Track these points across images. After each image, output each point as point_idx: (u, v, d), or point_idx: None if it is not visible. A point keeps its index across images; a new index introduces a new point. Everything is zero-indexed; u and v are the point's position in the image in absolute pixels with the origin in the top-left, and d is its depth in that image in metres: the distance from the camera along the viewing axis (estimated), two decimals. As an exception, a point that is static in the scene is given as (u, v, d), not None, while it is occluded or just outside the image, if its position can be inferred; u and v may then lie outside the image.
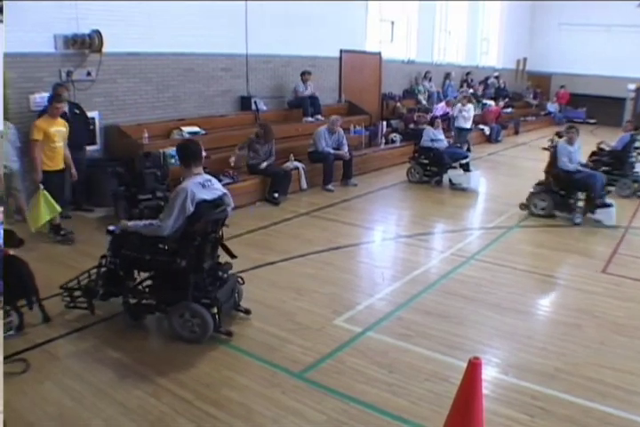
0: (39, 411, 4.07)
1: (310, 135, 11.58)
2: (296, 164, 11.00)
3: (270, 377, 4.55)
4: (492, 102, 19.68)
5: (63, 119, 8.02)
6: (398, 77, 18.13)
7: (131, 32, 9.92)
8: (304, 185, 10.98)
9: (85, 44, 9.14)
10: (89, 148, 9.37)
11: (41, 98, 8.54)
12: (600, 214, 9.11)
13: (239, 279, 5.69)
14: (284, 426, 3.96)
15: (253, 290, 5.88)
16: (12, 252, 5.26)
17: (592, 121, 23.64)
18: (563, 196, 9.25)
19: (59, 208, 7.38)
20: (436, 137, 11.88)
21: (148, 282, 5.49)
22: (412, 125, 15.02)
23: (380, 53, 16.67)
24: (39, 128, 7.50)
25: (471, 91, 19.71)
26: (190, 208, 4.91)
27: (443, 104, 16.80)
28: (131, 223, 5.31)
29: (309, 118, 13.31)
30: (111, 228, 5.46)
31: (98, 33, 9.18)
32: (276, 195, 10.00)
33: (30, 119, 7.89)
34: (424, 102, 18.09)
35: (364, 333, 5.35)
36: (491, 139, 18.21)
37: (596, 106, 24.04)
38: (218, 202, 5.19)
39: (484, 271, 7.02)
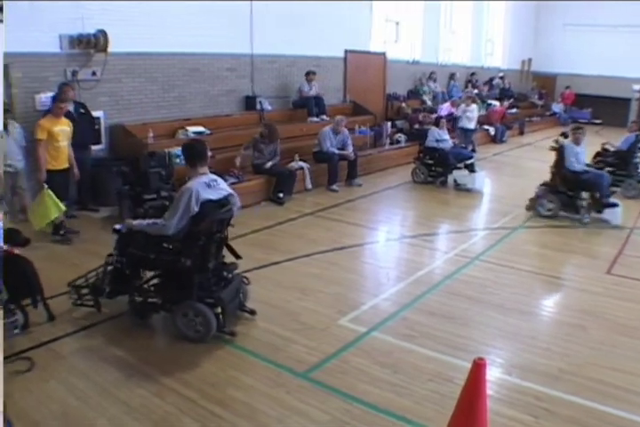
0: (44, 409, 4.08)
1: (315, 135, 11.59)
2: (301, 164, 11.01)
3: (275, 377, 4.55)
4: (496, 103, 19.65)
5: (68, 119, 8.05)
6: (403, 78, 18.11)
7: (136, 32, 9.91)
8: (309, 185, 10.98)
9: (91, 44, 9.16)
10: (94, 147, 9.37)
11: (46, 97, 8.57)
12: (607, 214, 9.13)
13: (244, 280, 5.70)
14: (289, 426, 3.97)
15: (258, 290, 5.88)
16: (16, 251, 5.28)
17: (597, 121, 23.57)
18: (570, 196, 9.24)
19: (63, 207, 7.39)
20: (441, 137, 11.88)
21: (154, 281, 5.51)
22: (416, 126, 15.04)
23: (384, 54, 16.68)
24: (43, 128, 7.53)
25: (476, 91, 19.70)
26: (195, 208, 4.92)
27: (448, 104, 16.79)
28: (136, 222, 5.33)
29: (314, 118, 13.31)
30: (117, 226, 5.49)
31: (103, 33, 9.19)
32: (281, 195, 10.01)
33: (36, 119, 7.90)
34: (429, 103, 18.07)
35: (368, 333, 5.35)
36: (496, 139, 18.19)
37: (601, 106, 23.98)
38: (223, 202, 5.19)
39: (489, 272, 7.01)
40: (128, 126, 9.91)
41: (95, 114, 9.38)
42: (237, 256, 5.55)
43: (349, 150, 11.41)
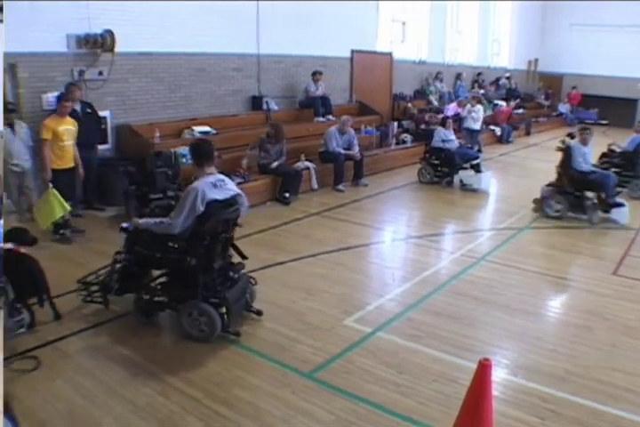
0: (50, 408, 4.09)
1: (321, 135, 11.58)
2: (307, 164, 11.01)
3: (280, 377, 4.56)
4: (503, 103, 19.61)
5: (74, 118, 8.07)
6: (409, 78, 18.10)
7: (143, 32, 9.95)
8: (315, 185, 10.99)
9: (97, 44, 9.18)
10: (100, 147, 9.40)
11: (53, 97, 8.58)
12: (614, 214, 9.15)
13: (251, 280, 5.70)
14: (294, 426, 3.97)
15: (264, 290, 5.88)
16: (23, 250, 5.29)
17: (604, 122, 23.52)
18: (577, 197, 9.23)
19: (68, 207, 7.40)
20: (448, 137, 11.87)
21: (162, 279, 5.52)
22: (422, 126, 15.01)
23: (391, 54, 16.67)
24: (48, 127, 7.57)
25: (482, 91, 19.68)
26: (200, 208, 4.93)
27: (454, 104, 16.78)
28: (142, 221, 5.36)
29: (320, 118, 13.31)
30: (124, 225, 5.53)
31: (110, 33, 9.21)
32: (287, 195, 10.02)
33: (43, 118, 7.92)
34: (435, 103, 18.05)
35: (373, 333, 5.35)
36: (502, 140, 18.15)
37: (607, 107, 23.90)
38: (231, 202, 5.19)
39: (495, 272, 7.00)
40: (134, 126, 9.93)
41: (102, 114, 9.42)
42: (243, 256, 5.55)
43: (355, 150, 11.41)
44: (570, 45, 24.77)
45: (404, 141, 14.77)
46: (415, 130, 15.26)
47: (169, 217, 5.09)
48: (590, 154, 9.56)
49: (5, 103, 8.40)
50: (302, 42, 13.29)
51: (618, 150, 11.56)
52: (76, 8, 8.93)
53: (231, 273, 5.39)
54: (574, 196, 9.25)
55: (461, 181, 11.56)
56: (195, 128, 10.62)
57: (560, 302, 6.48)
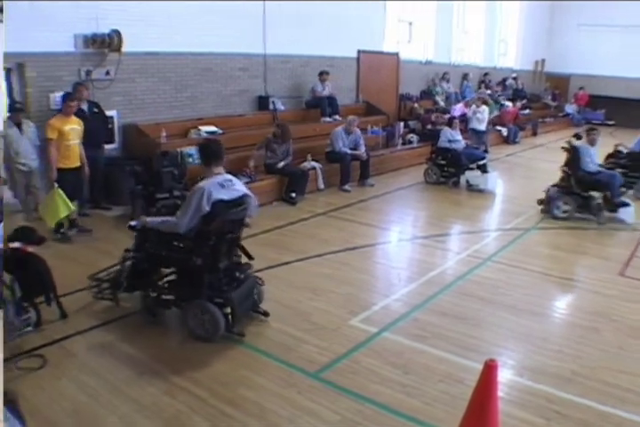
0: (56, 406, 4.11)
1: (328, 135, 11.58)
2: (313, 164, 11.01)
3: (287, 377, 4.56)
4: (509, 103, 19.57)
5: (81, 117, 8.09)
6: (416, 78, 18.09)
7: (150, 32, 9.97)
8: (321, 185, 10.99)
9: (105, 44, 9.21)
10: (107, 146, 9.43)
11: (60, 97, 8.61)
12: (621, 214, 9.17)
13: (259, 281, 5.69)
14: (299, 426, 3.97)
15: (270, 290, 5.87)
16: (30, 249, 5.31)
17: (611, 123, 23.42)
18: (584, 197, 9.21)
19: (72, 207, 7.42)
20: (454, 138, 11.85)
21: (170, 278, 5.54)
22: (429, 126, 14.98)
23: (397, 54, 16.66)
24: (53, 127, 7.59)
25: (489, 92, 19.65)
26: (206, 207, 4.92)
27: (461, 105, 16.75)
28: (149, 219, 5.40)
29: (327, 118, 13.32)
30: (132, 223, 5.56)
31: (117, 33, 9.24)
32: (293, 195, 10.02)
33: (50, 118, 7.94)
34: (442, 103, 18.03)
35: (379, 333, 5.35)
36: (508, 140, 18.10)
37: (615, 107, 23.79)
38: (239, 202, 5.18)
39: (501, 273, 6.99)
40: (141, 126, 9.96)
41: (109, 113, 9.45)
42: (250, 257, 5.56)
43: (362, 150, 11.41)
44: (577, 46, 24.69)
45: (411, 142, 14.75)
46: (421, 130, 15.24)
47: (175, 216, 5.11)
48: (596, 154, 9.54)
49: (12, 102, 8.45)
50: (309, 42, 13.30)
51: (625, 151, 11.52)
52: (84, 8, 8.96)
53: (237, 273, 5.39)
54: (581, 196, 9.24)
55: (468, 181, 11.54)
56: (201, 128, 10.64)
57: (566, 303, 6.46)
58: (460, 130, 12.49)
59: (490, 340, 5.31)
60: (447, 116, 14.83)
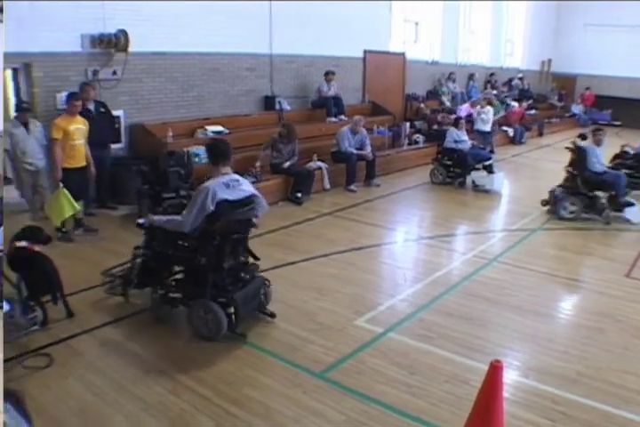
0: (63, 405, 4.13)
1: (333, 135, 11.59)
2: (319, 164, 11.02)
3: (292, 377, 4.56)
4: (515, 103, 19.54)
5: (87, 117, 8.12)
6: (422, 78, 18.08)
7: (156, 32, 9.99)
8: (327, 185, 10.99)
9: (111, 44, 9.23)
10: (114, 146, 9.46)
11: (65, 96, 8.62)
12: (627, 213, 9.19)
13: (266, 282, 5.66)
14: (304, 426, 3.98)
15: (276, 290, 5.86)
16: (37, 248, 5.33)
17: (617, 123, 23.36)
18: (590, 197, 9.22)
19: (77, 206, 7.44)
20: (460, 138, 11.84)
21: (178, 276, 5.56)
22: (435, 126, 14.99)
23: (403, 54, 16.65)
24: (58, 127, 7.62)
25: (495, 92, 19.61)
26: (210, 207, 4.93)
27: (467, 105, 16.74)
28: (156, 217, 5.46)
29: (333, 118, 13.31)
30: (140, 221, 5.60)
31: (124, 32, 9.26)
32: (299, 194, 10.03)
33: (56, 117, 7.96)
34: (448, 103, 18.02)
35: (385, 333, 5.35)
36: (514, 140, 18.08)
37: (621, 108, 23.73)
38: (245, 202, 5.18)
39: (507, 274, 6.98)
40: (148, 125, 9.98)
41: (115, 113, 9.47)
42: (255, 257, 5.56)
43: (368, 150, 11.42)
44: (584, 46, 24.61)
45: (417, 142, 14.74)
46: (427, 130, 15.24)
47: (181, 215, 5.13)
48: (602, 154, 9.54)
49: (19, 102, 8.48)
50: (315, 42, 13.30)
51: (631, 152, 11.49)
52: (91, 8, 8.98)
53: (243, 274, 5.39)
54: (587, 196, 9.24)
55: (474, 181, 11.53)
56: (208, 128, 10.66)
57: (572, 304, 6.45)
58: (467, 130, 12.50)
59: (495, 340, 5.30)
60: (453, 116, 14.83)
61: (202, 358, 4.81)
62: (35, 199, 8.32)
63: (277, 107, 12.49)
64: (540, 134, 20.22)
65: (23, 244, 5.27)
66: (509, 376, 4.52)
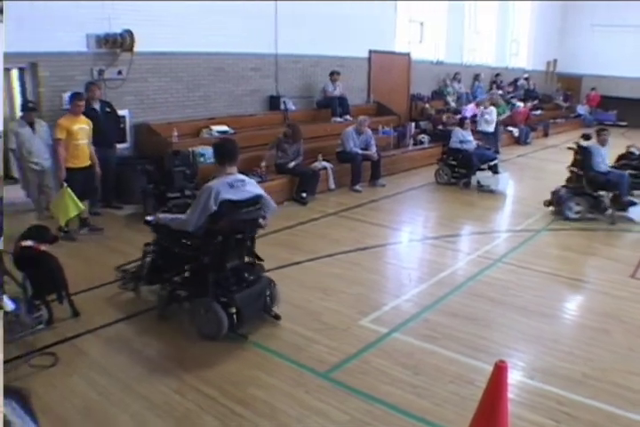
0: (68, 404, 4.13)
1: (338, 135, 11.59)
2: (324, 164, 11.03)
3: (297, 377, 4.57)
4: (520, 104, 19.51)
5: (93, 117, 8.14)
6: (427, 78, 18.07)
7: (162, 32, 10.00)
8: (332, 185, 11.00)
9: (117, 44, 9.26)
10: (119, 145, 9.48)
11: (69, 96, 8.63)
12: (631, 213, 9.21)
13: (272, 283, 5.60)
14: (308, 426, 3.98)
15: (281, 289, 5.84)
16: (43, 247, 5.35)
17: (623, 123, 23.30)
18: (595, 197, 9.22)
19: (82, 206, 7.46)
20: (465, 138, 11.83)
21: (186, 273, 5.57)
22: (440, 127, 14.98)
23: (408, 54, 16.66)
24: (62, 127, 7.63)
25: (500, 92, 19.58)
26: (213, 207, 4.93)
27: (472, 105, 16.71)
28: (162, 216, 5.51)
29: (338, 118, 13.32)
30: (149, 218, 5.65)
31: (129, 32, 9.28)
32: (304, 194, 10.04)
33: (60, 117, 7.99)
34: (453, 104, 18.00)
35: (389, 334, 5.35)
36: (520, 141, 18.05)
37: (627, 108, 23.64)
38: (250, 202, 5.16)
39: (511, 274, 6.97)
40: (153, 125, 10.00)
41: (121, 113, 9.50)
42: (258, 259, 5.55)
43: (373, 151, 11.42)
44: (590, 46, 24.52)
45: (422, 142, 14.74)
46: (433, 130, 15.24)
47: (185, 214, 5.15)
48: (607, 154, 9.54)
49: (25, 102, 8.50)
50: (320, 42, 13.31)
51: (637, 152, 11.45)
52: (96, 8, 9.00)
53: (247, 274, 5.36)
54: (592, 196, 9.23)
55: (479, 182, 11.51)
56: (213, 127, 10.68)
57: (577, 305, 6.45)
58: (472, 130, 12.49)
59: (500, 341, 5.29)
60: (458, 116, 14.82)
61: (207, 358, 4.82)
62: (40, 199, 8.34)
63: (282, 107, 12.49)
64: (546, 135, 20.18)
65: (29, 243, 5.28)
66: (514, 377, 4.51)
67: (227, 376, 4.55)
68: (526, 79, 22.93)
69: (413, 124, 15.10)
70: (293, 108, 12.82)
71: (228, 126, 10.92)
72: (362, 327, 5.46)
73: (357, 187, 11.08)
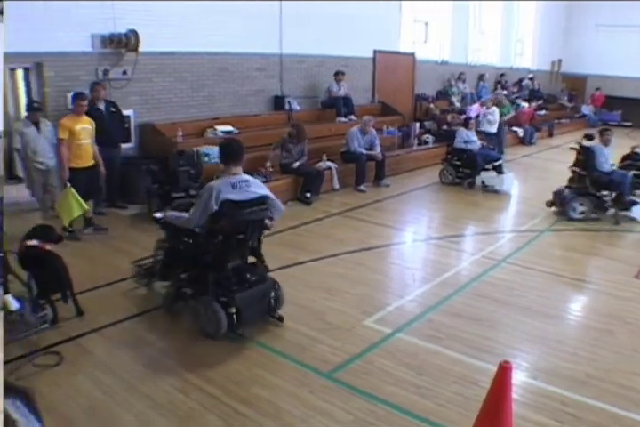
0: (72, 403, 4.14)
1: (343, 135, 11.59)
2: (328, 164, 11.03)
3: (300, 377, 4.57)
4: (525, 104, 19.47)
5: (97, 117, 8.16)
6: (432, 78, 18.05)
7: (166, 32, 10.03)
8: (336, 185, 11.00)
9: (122, 44, 9.28)
10: (124, 145, 9.49)
11: (72, 96, 8.63)
12: (634, 212, 9.23)
13: (276, 285, 5.56)
14: (312, 425, 3.98)
15: (285, 289, 5.84)
16: (48, 247, 5.36)
17: (627, 124, 23.25)
18: (598, 197, 9.23)
19: (86, 206, 7.47)
20: (470, 139, 11.82)
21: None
22: (444, 127, 14.95)
23: (413, 54, 16.64)
24: (64, 126, 7.64)
25: (505, 92, 19.55)
26: (214, 206, 4.93)
27: (476, 105, 16.64)
28: (168, 213, 5.54)
29: (342, 118, 13.32)
30: (158, 215, 5.71)
31: (134, 32, 9.30)
32: (309, 194, 10.04)
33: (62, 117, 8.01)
34: (457, 104, 17.98)
35: (393, 334, 5.35)
36: (524, 141, 18.02)
37: (631, 108, 23.57)
38: (253, 203, 5.13)
39: (516, 274, 6.97)
40: (158, 125, 10.02)
41: (125, 112, 9.51)
42: (262, 260, 5.53)
43: (377, 151, 11.41)
44: (595, 46, 24.44)
45: (426, 142, 14.72)
46: (437, 131, 15.22)
47: (189, 212, 5.18)
48: (610, 154, 9.54)
49: (30, 102, 8.52)
50: (325, 42, 13.32)
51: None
52: (101, 8, 9.03)
53: (249, 275, 5.34)
54: (595, 196, 9.24)
55: (483, 182, 11.50)
56: (217, 127, 10.69)
57: (581, 305, 6.44)
58: (476, 131, 12.46)
59: (504, 342, 5.29)
60: (463, 116, 14.78)
61: (210, 357, 4.82)
62: (45, 198, 8.36)
63: (287, 107, 12.50)
64: (550, 135, 20.13)
65: (34, 242, 5.30)
66: (518, 377, 4.50)
67: (230, 376, 4.55)
68: (531, 79, 22.89)
69: (418, 124, 15.08)
70: (298, 108, 12.82)
71: (233, 126, 10.93)
72: (366, 327, 5.46)
73: (362, 187, 11.07)
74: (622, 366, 4.86)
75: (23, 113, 8.91)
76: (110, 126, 8.61)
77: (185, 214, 5.23)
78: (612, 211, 9.27)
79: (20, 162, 8.47)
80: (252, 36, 11.63)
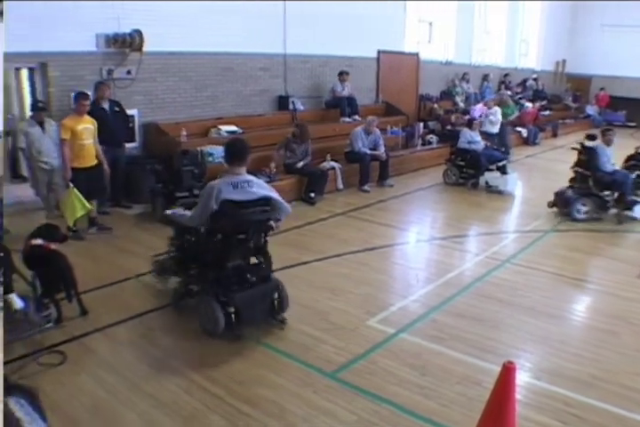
0: (76, 402, 4.15)
1: (347, 135, 11.59)
2: (332, 164, 11.03)
3: (304, 376, 4.57)
4: (529, 104, 19.43)
5: (101, 116, 8.17)
6: (436, 78, 18.02)
7: (171, 32, 10.03)
8: (340, 185, 11.00)
9: (126, 44, 9.29)
10: (128, 145, 9.51)
11: (74, 96, 8.64)
12: (636, 212, 9.22)
13: (280, 286, 5.50)
14: (315, 425, 3.98)
15: (289, 289, 5.82)
16: (53, 246, 5.37)
17: (632, 124, 23.19)
18: (601, 197, 9.22)
19: (89, 206, 7.49)
20: (473, 139, 11.81)
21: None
22: (448, 127, 14.95)
23: (417, 54, 16.63)
24: (66, 127, 7.65)
25: (509, 92, 19.51)
26: (214, 206, 4.93)
27: (480, 105, 16.62)
28: (171, 211, 5.69)
29: (346, 118, 13.31)
30: (169, 212, 5.82)
31: (138, 32, 9.32)
32: (313, 194, 10.05)
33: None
34: (461, 104, 17.96)
35: (397, 334, 5.35)
36: (528, 141, 17.97)
37: (636, 109, 23.48)
38: (255, 204, 5.11)
39: (519, 275, 6.96)
40: (162, 125, 10.03)
41: (130, 112, 9.53)
42: (262, 260, 5.53)
43: (381, 151, 11.41)
44: (600, 46, 24.34)
45: (430, 142, 14.71)
46: (441, 131, 15.21)
47: (191, 211, 5.23)
48: (612, 154, 9.54)
49: (35, 102, 8.54)
50: (329, 42, 13.30)
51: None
52: (106, 8, 9.04)
53: (249, 275, 5.31)
54: (598, 197, 9.24)
55: (487, 182, 11.48)
56: (221, 127, 10.70)
57: (585, 306, 6.43)
58: (480, 131, 12.45)
59: (508, 342, 5.28)
60: (467, 116, 14.77)
61: (214, 357, 4.83)
62: (50, 197, 8.38)
63: (291, 107, 12.50)
64: (555, 135, 20.07)
65: (39, 242, 5.31)
66: (521, 378, 4.50)
67: (234, 376, 4.56)
68: (535, 79, 22.84)
69: (422, 124, 15.07)
70: (302, 108, 12.83)
71: (237, 126, 10.94)
72: (369, 328, 5.47)
73: (366, 187, 11.07)
74: (626, 367, 4.85)
75: (28, 113, 8.93)
76: (114, 126, 8.63)
77: (187, 213, 5.31)
78: (614, 211, 9.28)
79: (24, 161, 8.48)
80: (255, 36, 11.63)
